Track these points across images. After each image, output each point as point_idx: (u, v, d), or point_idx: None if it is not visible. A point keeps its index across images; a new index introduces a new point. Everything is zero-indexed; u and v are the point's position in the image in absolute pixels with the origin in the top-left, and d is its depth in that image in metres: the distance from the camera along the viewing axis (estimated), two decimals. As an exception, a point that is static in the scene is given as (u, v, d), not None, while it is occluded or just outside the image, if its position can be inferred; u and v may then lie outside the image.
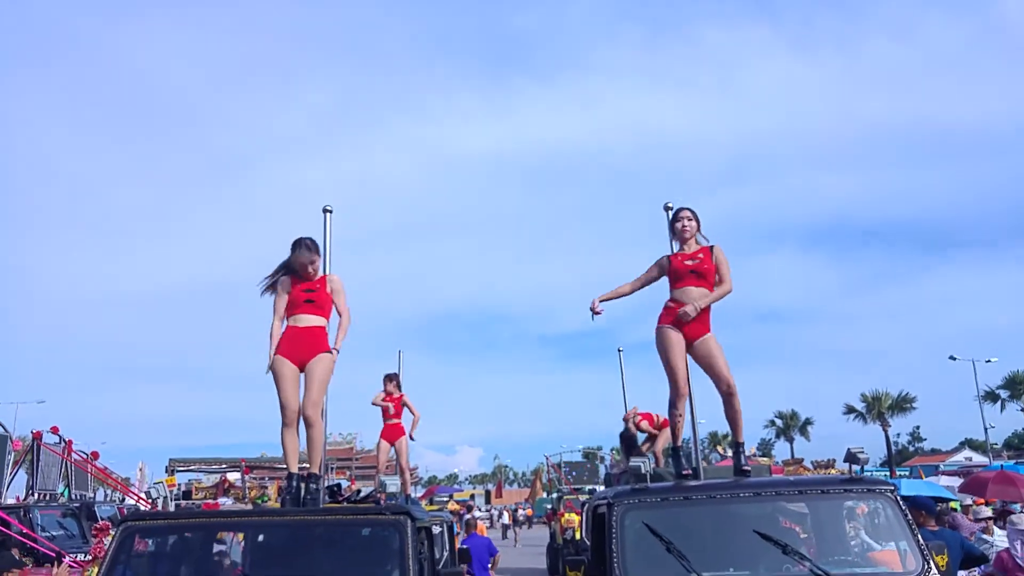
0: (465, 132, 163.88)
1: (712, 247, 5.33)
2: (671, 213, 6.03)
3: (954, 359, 40.52)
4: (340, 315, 5.38)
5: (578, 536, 11.65)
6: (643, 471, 4.12)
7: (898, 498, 3.89)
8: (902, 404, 57.60)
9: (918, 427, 79.81)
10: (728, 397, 5.03)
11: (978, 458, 52.20)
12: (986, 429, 43.32)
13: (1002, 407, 54.26)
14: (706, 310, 5.14)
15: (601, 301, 5.34)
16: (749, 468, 4.98)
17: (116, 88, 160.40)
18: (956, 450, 63.94)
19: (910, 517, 3.83)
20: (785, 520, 4.52)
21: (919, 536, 3.76)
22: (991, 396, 52.34)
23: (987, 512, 9.31)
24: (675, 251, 5.42)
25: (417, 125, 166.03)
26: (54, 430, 15.34)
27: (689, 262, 5.24)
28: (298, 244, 5.25)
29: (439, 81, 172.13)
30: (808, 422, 66.91)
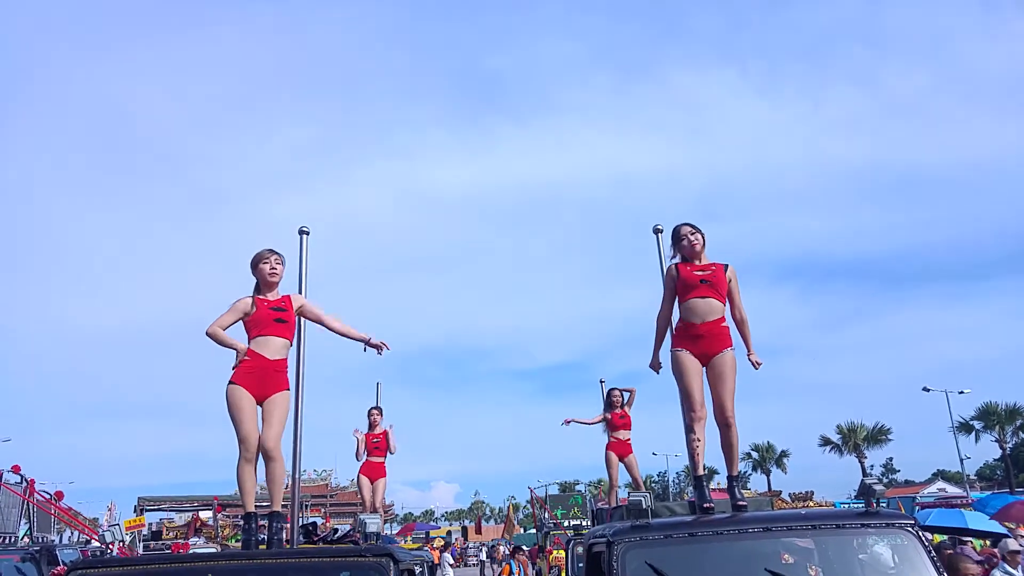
0: (441, 170, 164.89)
1: (727, 264, 5.03)
2: (660, 235, 5.84)
3: (927, 390, 40.68)
4: (332, 321, 5.18)
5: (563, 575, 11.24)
6: (644, 506, 3.85)
7: (920, 533, 3.66)
8: (877, 436, 57.93)
9: (891, 459, 79.99)
10: (724, 428, 4.78)
11: (952, 489, 52.28)
12: (962, 460, 43.43)
13: (976, 438, 54.57)
14: (723, 323, 4.90)
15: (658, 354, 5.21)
16: (745, 503, 4.72)
17: (94, 124, 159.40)
18: (929, 481, 64.05)
19: (934, 554, 3.60)
20: (793, 557, 4.27)
21: (944, 574, 3.53)
22: (965, 427, 52.57)
23: (1015, 545, 8.90)
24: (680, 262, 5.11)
25: (393, 163, 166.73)
26: (15, 469, 14.72)
27: (699, 272, 4.94)
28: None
29: (415, 120, 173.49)
30: (784, 454, 66.84)
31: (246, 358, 4.80)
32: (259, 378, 4.80)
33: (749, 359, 5.01)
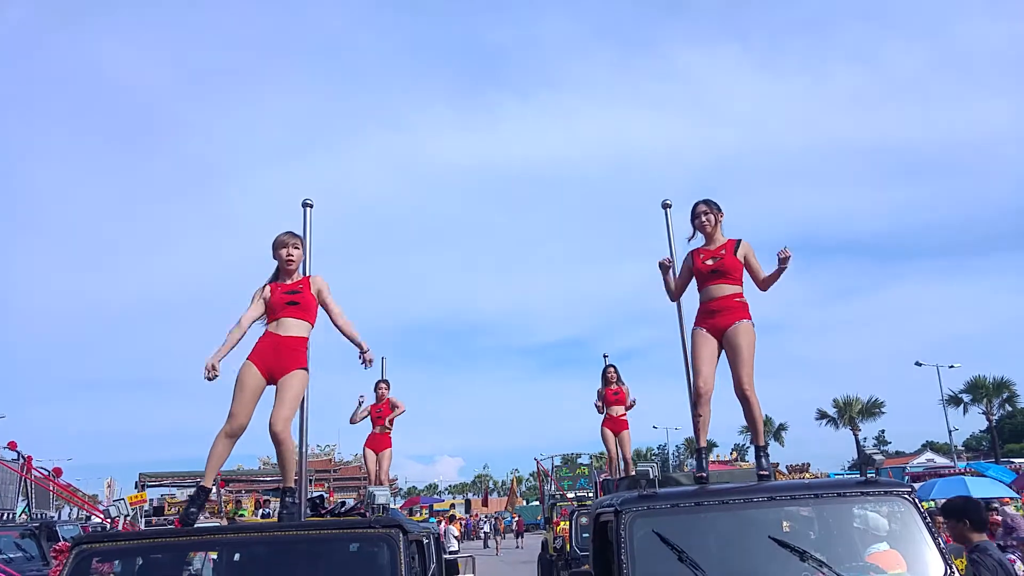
0: (443, 145, 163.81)
1: (739, 241, 5.06)
2: (668, 210, 5.84)
3: (919, 365, 41.15)
4: (337, 316, 5.07)
5: (568, 547, 11.32)
6: (651, 476, 3.93)
7: (916, 500, 3.76)
8: (871, 409, 58.65)
9: (883, 431, 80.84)
10: (743, 401, 4.83)
11: (940, 460, 52.99)
12: (950, 432, 44.12)
13: (964, 410, 55.46)
14: (736, 298, 4.95)
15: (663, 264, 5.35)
16: (768, 473, 4.77)
17: (89, 97, 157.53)
18: (918, 452, 64.83)
19: (929, 520, 3.70)
20: (794, 525, 4.36)
21: (939, 540, 3.63)
22: (955, 400, 53.29)
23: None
24: (697, 247, 5.19)
25: (395, 137, 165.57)
26: (11, 445, 14.66)
27: (710, 261, 5.01)
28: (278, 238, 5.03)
29: (416, 94, 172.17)
30: (782, 427, 67.60)
31: (216, 374, 4.61)
32: (273, 355, 4.76)
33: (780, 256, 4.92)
